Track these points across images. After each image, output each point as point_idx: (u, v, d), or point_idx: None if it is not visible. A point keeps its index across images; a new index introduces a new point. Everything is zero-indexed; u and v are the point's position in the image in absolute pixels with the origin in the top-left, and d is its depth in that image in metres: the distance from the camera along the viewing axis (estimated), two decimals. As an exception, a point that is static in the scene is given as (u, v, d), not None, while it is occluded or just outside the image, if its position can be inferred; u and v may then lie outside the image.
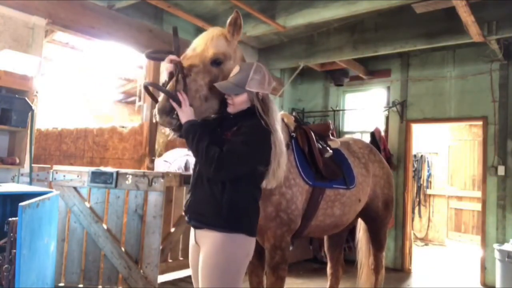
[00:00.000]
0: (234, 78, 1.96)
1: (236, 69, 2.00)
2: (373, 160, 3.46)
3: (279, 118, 2.04)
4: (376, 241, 3.61)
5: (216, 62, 2.03)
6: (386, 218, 3.59)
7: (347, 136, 6.58)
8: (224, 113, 2.06)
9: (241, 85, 1.93)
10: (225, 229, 1.85)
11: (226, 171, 1.81)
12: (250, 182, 1.94)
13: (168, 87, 1.94)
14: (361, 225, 3.82)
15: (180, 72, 1.92)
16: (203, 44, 2.06)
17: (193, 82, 1.96)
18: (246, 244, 1.91)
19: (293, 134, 2.78)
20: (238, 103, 1.97)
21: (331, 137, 3.28)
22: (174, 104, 1.90)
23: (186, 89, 1.93)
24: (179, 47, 2.01)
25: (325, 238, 3.72)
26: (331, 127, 6.56)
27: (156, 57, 2.03)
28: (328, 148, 2.98)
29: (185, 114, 1.90)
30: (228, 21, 2.08)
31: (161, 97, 1.96)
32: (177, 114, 1.92)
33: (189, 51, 2.08)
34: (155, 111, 1.96)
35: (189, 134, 1.88)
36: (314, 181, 2.71)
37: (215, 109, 2.07)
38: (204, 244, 1.90)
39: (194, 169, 2.06)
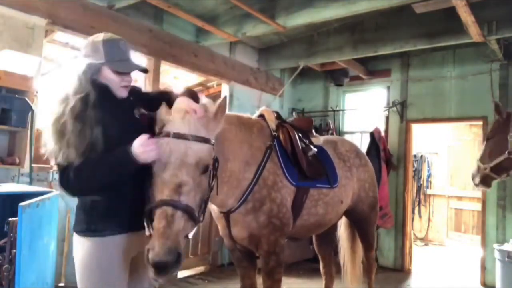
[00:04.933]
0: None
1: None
2: (358, 164, 3.39)
3: None
4: (365, 242, 3.64)
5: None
6: (372, 219, 3.60)
7: (346, 136, 6.57)
8: None
9: None
10: None
11: None
12: None
13: None
14: (342, 221, 3.75)
15: None
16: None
17: None
18: None
19: (275, 133, 2.69)
20: None
21: (313, 133, 3.24)
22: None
23: None
24: None
25: (314, 238, 3.71)
26: (331, 126, 6.46)
27: None
28: (311, 146, 2.92)
29: None
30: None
31: None
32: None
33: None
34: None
35: None
36: (297, 182, 2.66)
37: None
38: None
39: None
